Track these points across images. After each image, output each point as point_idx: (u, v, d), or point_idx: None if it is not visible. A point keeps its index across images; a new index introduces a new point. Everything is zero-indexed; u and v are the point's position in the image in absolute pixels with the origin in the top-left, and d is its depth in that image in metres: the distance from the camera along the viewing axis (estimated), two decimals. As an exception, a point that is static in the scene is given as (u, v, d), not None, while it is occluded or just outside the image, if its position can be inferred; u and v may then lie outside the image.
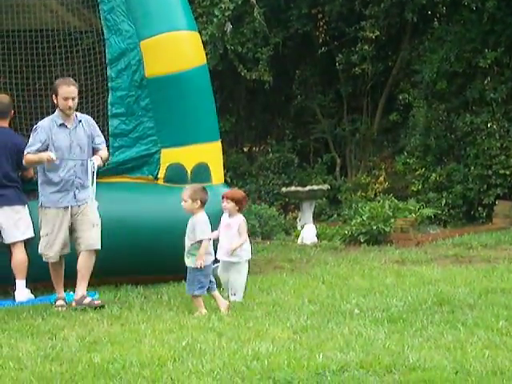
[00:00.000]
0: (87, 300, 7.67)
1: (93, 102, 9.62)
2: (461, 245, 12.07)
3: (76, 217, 7.89)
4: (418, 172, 15.98)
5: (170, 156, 9.41)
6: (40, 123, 8.02)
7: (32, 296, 8.39)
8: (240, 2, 15.90)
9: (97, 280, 8.10)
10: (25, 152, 7.96)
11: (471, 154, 15.19)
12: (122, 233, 8.58)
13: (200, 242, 7.33)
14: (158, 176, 9.42)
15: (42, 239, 7.92)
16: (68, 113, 7.90)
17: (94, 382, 4.98)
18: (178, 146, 9.42)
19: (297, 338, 6.01)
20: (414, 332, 6.09)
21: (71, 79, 8.14)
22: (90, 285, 7.88)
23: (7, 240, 8.57)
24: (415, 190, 15.89)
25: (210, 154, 9.64)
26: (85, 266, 7.82)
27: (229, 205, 7.94)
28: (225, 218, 8.03)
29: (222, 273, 8.00)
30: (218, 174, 9.67)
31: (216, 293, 7.47)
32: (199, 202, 7.44)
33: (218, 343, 5.85)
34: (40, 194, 7.96)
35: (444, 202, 15.18)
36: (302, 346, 5.69)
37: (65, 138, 7.88)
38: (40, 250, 7.92)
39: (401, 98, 17.22)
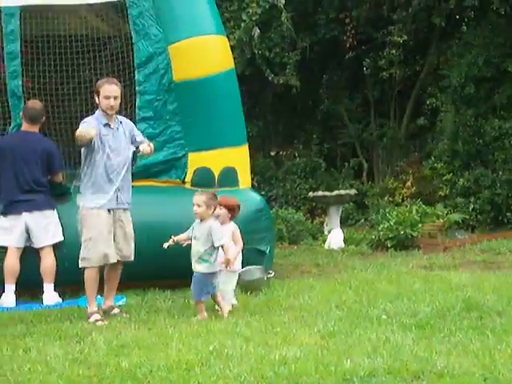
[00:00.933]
0: (116, 311, 7.68)
1: (120, 106, 9.62)
2: (489, 250, 12.00)
3: (115, 224, 7.63)
4: (445, 177, 15.92)
5: (197, 160, 9.44)
6: (86, 119, 7.68)
7: (60, 299, 8.43)
8: (267, 7, 15.95)
9: (124, 284, 8.11)
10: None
11: (499, 159, 15.10)
12: (149, 237, 8.54)
13: (217, 247, 7.32)
14: (185, 180, 9.45)
15: (83, 244, 7.47)
16: (110, 112, 7.64)
17: (122, 386, 5.01)
18: (205, 149, 9.46)
19: (324, 343, 5.98)
20: (441, 338, 6.04)
21: (114, 79, 7.91)
22: (117, 289, 7.91)
23: (37, 244, 8.62)
24: (443, 194, 15.84)
25: (238, 158, 9.66)
26: (114, 276, 7.77)
27: (221, 211, 7.76)
28: None
29: None
30: (245, 178, 9.69)
31: (219, 298, 7.48)
32: (213, 208, 7.43)
33: (245, 348, 5.83)
34: (82, 195, 7.62)
35: (472, 207, 15.10)
36: (330, 352, 5.66)
37: (110, 138, 7.66)
38: (81, 255, 7.45)
39: (428, 102, 17.17)
